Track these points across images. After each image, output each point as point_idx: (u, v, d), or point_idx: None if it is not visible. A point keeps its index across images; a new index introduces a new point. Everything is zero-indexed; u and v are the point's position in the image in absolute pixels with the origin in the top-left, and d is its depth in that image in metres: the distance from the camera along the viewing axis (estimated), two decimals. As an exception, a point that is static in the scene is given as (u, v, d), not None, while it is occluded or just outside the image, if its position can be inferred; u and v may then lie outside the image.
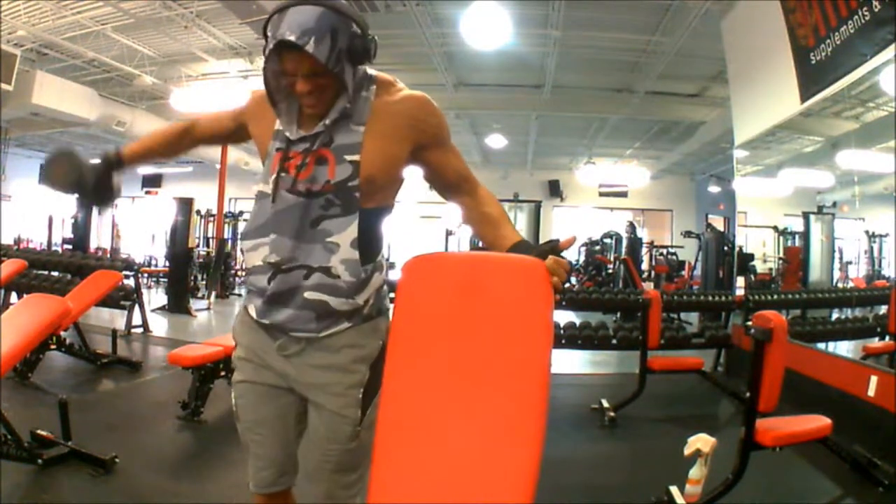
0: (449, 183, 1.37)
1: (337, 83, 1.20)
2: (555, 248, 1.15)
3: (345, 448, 1.28)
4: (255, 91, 1.39)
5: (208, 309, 8.34)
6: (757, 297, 5.46)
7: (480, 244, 1.41)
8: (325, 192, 1.24)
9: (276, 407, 1.32)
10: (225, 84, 8.57)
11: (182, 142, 1.55)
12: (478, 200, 1.37)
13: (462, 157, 1.39)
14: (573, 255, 12.68)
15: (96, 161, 1.47)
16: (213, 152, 10.63)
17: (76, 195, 1.46)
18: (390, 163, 1.28)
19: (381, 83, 1.31)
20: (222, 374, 3.51)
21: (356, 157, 1.23)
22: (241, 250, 1.36)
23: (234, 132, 1.47)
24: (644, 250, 12.09)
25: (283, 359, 1.30)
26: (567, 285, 1.13)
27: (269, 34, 1.17)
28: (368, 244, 1.27)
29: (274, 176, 1.26)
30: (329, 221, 1.24)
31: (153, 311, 7.31)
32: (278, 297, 1.26)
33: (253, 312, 1.31)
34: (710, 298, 6.11)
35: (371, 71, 1.30)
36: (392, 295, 1.28)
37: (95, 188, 1.45)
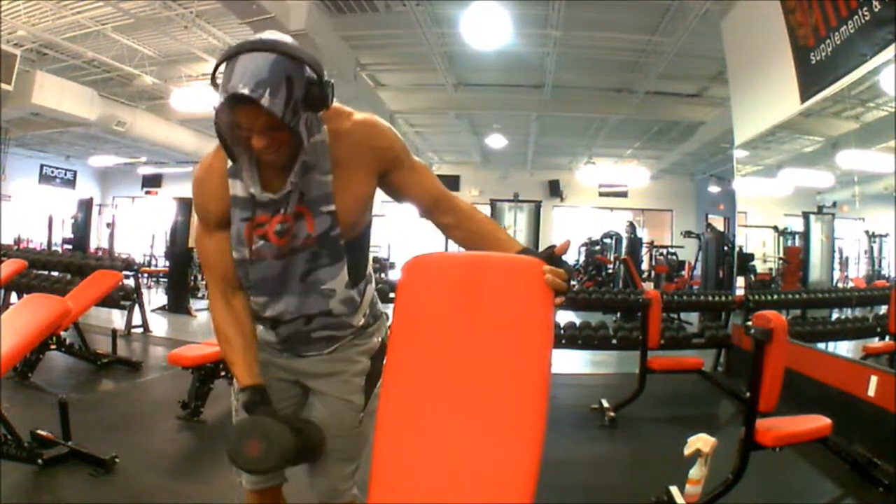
0: (423, 203, 1.30)
1: (295, 136, 1.11)
2: (551, 255, 1.14)
3: (349, 435, 1.33)
4: (194, 184, 1.28)
5: (208, 309, 8.32)
6: (757, 297, 5.45)
7: None
8: (308, 245, 1.23)
9: (278, 401, 1.34)
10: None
11: (241, 301, 1.30)
12: (462, 217, 1.30)
13: (431, 174, 1.33)
14: (573, 255, 12.68)
15: (256, 415, 1.17)
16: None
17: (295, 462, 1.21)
18: (363, 199, 1.26)
19: (329, 119, 1.22)
20: (222, 374, 3.51)
21: (332, 208, 1.21)
22: None
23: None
24: (644, 250, 12.08)
25: (289, 358, 1.37)
26: (567, 294, 1.12)
27: (218, 83, 1.07)
28: (358, 270, 1.31)
29: (254, 247, 1.22)
30: (319, 272, 1.25)
31: (153, 311, 7.31)
32: (286, 340, 1.33)
33: (261, 337, 1.36)
34: (710, 298, 6.10)
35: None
36: (392, 295, 1.30)
37: (301, 446, 1.18)
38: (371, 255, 1.39)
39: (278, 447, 1.12)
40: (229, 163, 1.20)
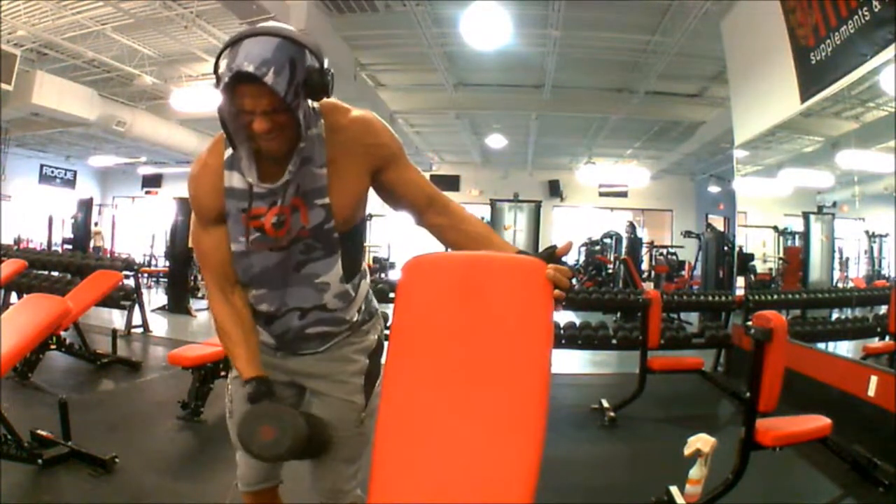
0: (415, 203, 1.30)
1: (296, 120, 1.12)
2: (552, 254, 1.14)
3: (351, 435, 1.32)
4: (190, 180, 1.28)
5: (208, 309, 8.32)
6: (757, 297, 5.45)
7: None
8: (302, 237, 1.24)
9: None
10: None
11: (239, 295, 1.30)
12: (455, 219, 1.30)
13: (425, 177, 1.34)
14: (573, 255, 12.68)
15: (274, 403, 1.19)
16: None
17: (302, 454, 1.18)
18: (357, 195, 1.27)
19: (326, 113, 1.23)
20: (222, 374, 3.51)
21: (326, 201, 1.22)
22: None
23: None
24: (644, 250, 12.08)
25: (284, 357, 1.35)
26: (567, 294, 1.12)
27: (220, 70, 1.08)
28: (352, 264, 1.30)
29: (251, 238, 1.22)
30: (313, 264, 1.26)
31: (153, 311, 7.31)
32: (280, 336, 1.31)
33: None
34: (710, 298, 6.11)
35: (312, 103, 1.21)
36: (392, 295, 1.29)
37: (313, 435, 1.17)
38: (366, 251, 1.39)
39: (292, 432, 1.12)
40: (226, 155, 1.21)
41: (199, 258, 1.32)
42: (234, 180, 1.21)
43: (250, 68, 1.02)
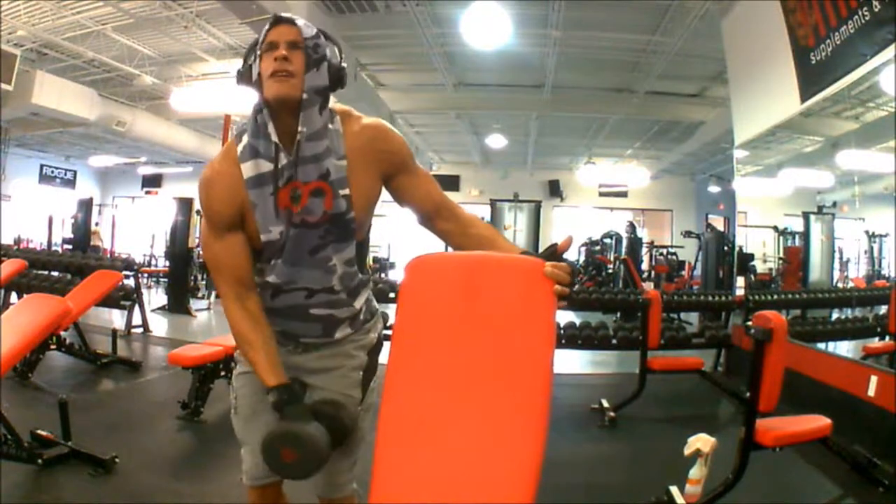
0: (425, 209, 1.35)
1: (308, 65, 1.20)
2: (554, 253, 1.15)
3: None
4: (202, 185, 1.28)
5: (208, 309, 8.33)
6: (757, 297, 5.45)
7: None
8: (322, 223, 1.26)
9: None
10: (225, 84, 8.56)
11: (255, 301, 1.29)
12: (463, 224, 1.34)
13: (434, 182, 1.37)
14: (573, 255, 12.68)
15: (301, 423, 1.18)
16: (213, 151, 10.64)
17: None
18: (371, 193, 1.31)
19: (341, 115, 1.30)
20: (222, 374, 3.51)
21: (347, 191, 1.26)
22: None
23: (245, 233, 1.28)
24: (644, 250, 12.08)
25: (287, 353, 1.36)
26: (570, 288, 1.11)
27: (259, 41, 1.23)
28: (361, 258, 1.36)
29: (280, 218, 1.24)
30: (328, 249, 1.29)
31: (153, 311, 7.30)
32: (284, 313, 1.33)
33: None
34: (710, 298, 6.11)
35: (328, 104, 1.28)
36: (392, 295, 1.30)
37: (333, 439, 1.21)
38: (371, 255, 1.42)
39: (312, 450, 1.14)
40: (240, 149, 1.25)
41: (211, 265, 1.30)
42: (256, 167, 1.24)
43: (286, 15, 1.22)
